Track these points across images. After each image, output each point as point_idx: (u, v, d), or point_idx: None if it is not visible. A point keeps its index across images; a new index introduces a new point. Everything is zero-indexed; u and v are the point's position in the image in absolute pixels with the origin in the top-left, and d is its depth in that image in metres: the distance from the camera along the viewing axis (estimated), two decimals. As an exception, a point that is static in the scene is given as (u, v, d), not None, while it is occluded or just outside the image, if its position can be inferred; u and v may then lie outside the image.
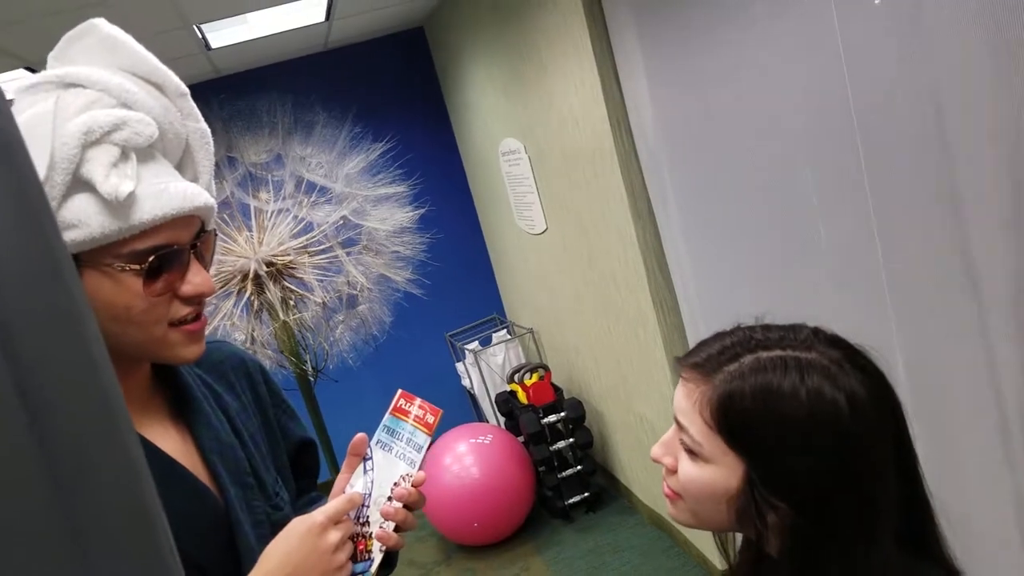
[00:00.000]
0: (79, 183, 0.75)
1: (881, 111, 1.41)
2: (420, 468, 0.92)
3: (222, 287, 3.57)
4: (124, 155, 0.77)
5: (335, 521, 0.86)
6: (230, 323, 3.55)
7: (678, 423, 0.78)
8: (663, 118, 2.28)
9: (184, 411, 0.93)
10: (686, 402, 0.76)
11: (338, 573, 0.86)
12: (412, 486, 0.91)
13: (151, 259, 0.79)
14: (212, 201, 0.86)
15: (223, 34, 3.32)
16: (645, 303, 2.67)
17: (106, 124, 0.75)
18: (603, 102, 2.49)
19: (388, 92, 4.41)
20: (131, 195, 0.75)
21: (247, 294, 3.62)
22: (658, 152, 2.38)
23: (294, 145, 3.85)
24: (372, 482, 0.91)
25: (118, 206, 0.75)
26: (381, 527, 0.89)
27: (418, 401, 0.95)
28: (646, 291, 2.63)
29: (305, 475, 1.12)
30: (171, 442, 0.90)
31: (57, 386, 0.40)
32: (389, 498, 0.90)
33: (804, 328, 0.77)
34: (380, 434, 0.93)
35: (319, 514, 0.86)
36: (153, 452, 0.86)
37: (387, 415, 0.94)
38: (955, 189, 1.30)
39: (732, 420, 0.72)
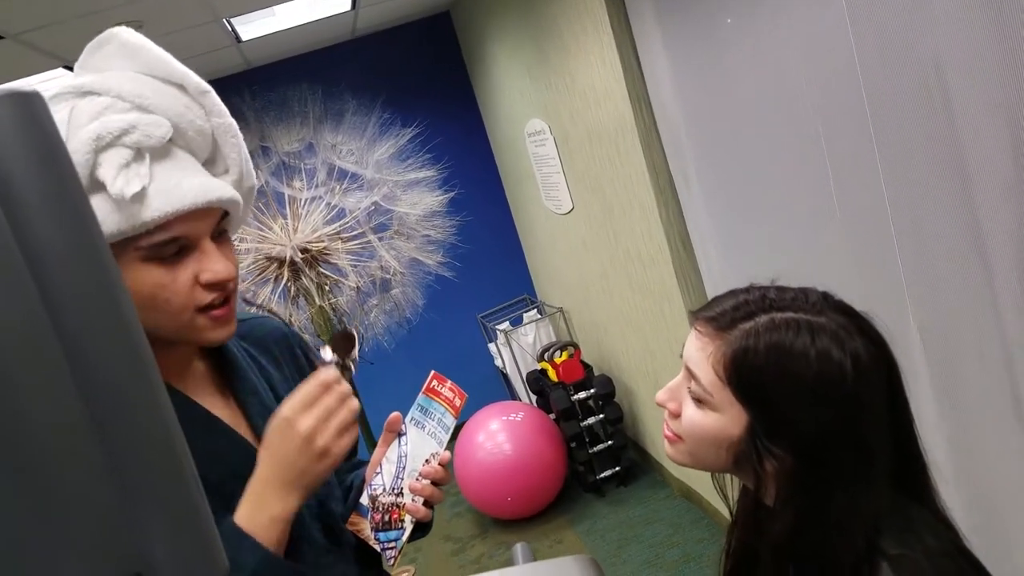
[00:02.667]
0: (96, 185, 0.80)
1: (888, 82, 1.42)
2: (445, 448, 0.99)
3: (259, 275, 3.68)
4: (139, 156, 0.82)
5: (304, 408, 0.86)
6: (268, 310, 3.67)
7: (689, 371, 0.82)
8: (682, 93, 2.30)
9: (230, 380, 1.00)
10: (699, 354, 0.80)
11: (324, 459, 0.87)
12: (439, 464, 0.98)
13: (168, 250, 0.85)
14: (232, 193, 0.90)
15: (253, 27, 3.41)
16: (669, 279, 2.70)
17: (116, 129, 0.80)
18: (623, 79, 2.52)
19: (416, 78, 4.47)
20: (141, 194, 0.81)
21: (284, 281, 3.73)
22: (678, 127, 2.40)
23: (325, 133, 3.94)
24: (406, 456, 0.98)
25: (128, 205, 0.80)
26: (412, 500, 0.96)
27: (449, 383, 1.02)
28: (670, 266, 2.65)
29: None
30: (218, 409, 0.97)
31: (97, 347, 0.46)
32: (420, 474, 0.97)
33: (814, 292, 0.81)
34: (414, 412, 1.00)
35: (285, 407, 0.87)
36: (198, 412, 0.93)
37: (420, 394, 1.01)
38: (961, 157, 1.31)
39: (743, 375, 0.77)
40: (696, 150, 2.34)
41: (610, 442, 3.59)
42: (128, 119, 0.82)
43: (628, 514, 3.41)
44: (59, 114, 0.81)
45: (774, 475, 0.79)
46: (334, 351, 0.97)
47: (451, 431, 1.00)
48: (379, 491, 0.96)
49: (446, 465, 0.98)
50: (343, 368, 0.95)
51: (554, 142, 3.43)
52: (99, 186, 0.81)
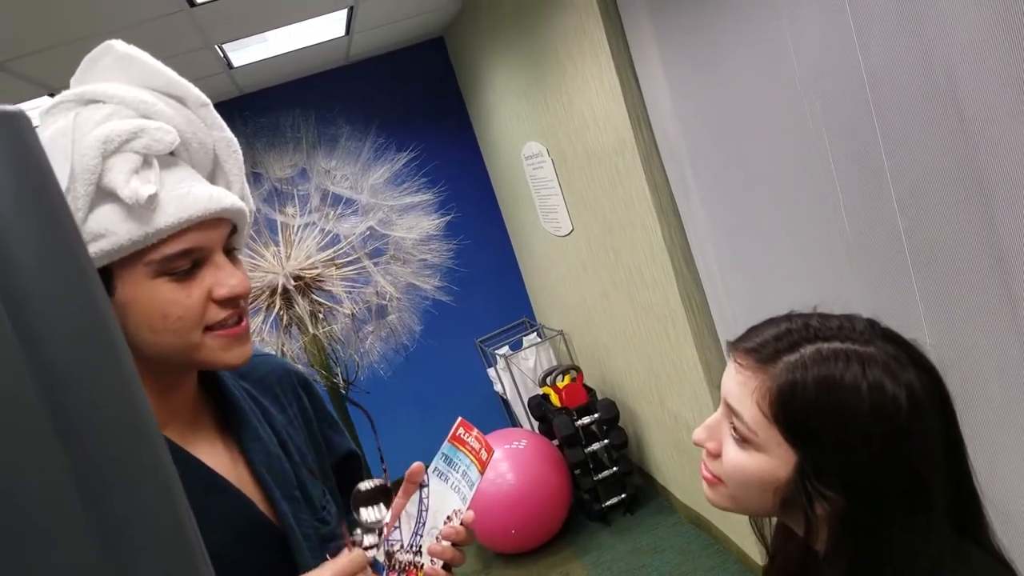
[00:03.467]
0: (104, 194, 0.76)
1: (896, 93, 1.38)
2: (469, 507, 0.91)
3: (251, 304, 3.60)
4: (146, 162, 0.78)
5: None
6: (259, 339, 3.58)
7: (729, 408, 0.76)
8: (682, 112, 2.26)
9: (232, 425, 0.93)
10: (740, 388, 0.75)
11: None
12: (461, 524, 0.89)
13: (180, 263, 0.79)
14: (240, 204, 0.86)
15: (245, 53, 3.37)
16: (673, 300, 2.64)
17: (124, 133, 0.76)
18: (622, 99, 2.48)
19: (410, 102, 4.44)
20: (154, 199, 0.76)
21: (276, 309, 3.65)
22: (678, 146, 2.36)
23: (318, 159, 3.88)
24: (427, 511, 0.90)
25: (142, 211, 0.76)
26: (431, 563, 0.88)
27: (475, 432, 0.94)
28: (674, 287, 2.60)
29: (350, 488, 1.12)
30: (218, 457, 0.90)
31: (85, 394, 0.40)
32: (439, 534, 0.89)
33: (860, 319, 0.76)
34: (438, 462, 0.92)
35: None
36: (195, 466, 0.86)
37: (445, 443, 0.93)
38: (977, 168, 1.27)
39: (791, 411, 0.71)
40: (697, 168, 2.30)
41: (615, 468, 3.51)
42: (135, 124, 0.77)
43: (636, 543, 3.32)
44: (62, 121, 0.76)
45: (825, 518, 0.72)
46: (369, 505, 0.88)
47: (476, 487, 0.91)
48: (396, 547, 0.88)
49: (469, 525, 0.90)
50: (378, 532, 0.87)
51: (552, 164, 3.39)
52: (107, 195, 0.76)
